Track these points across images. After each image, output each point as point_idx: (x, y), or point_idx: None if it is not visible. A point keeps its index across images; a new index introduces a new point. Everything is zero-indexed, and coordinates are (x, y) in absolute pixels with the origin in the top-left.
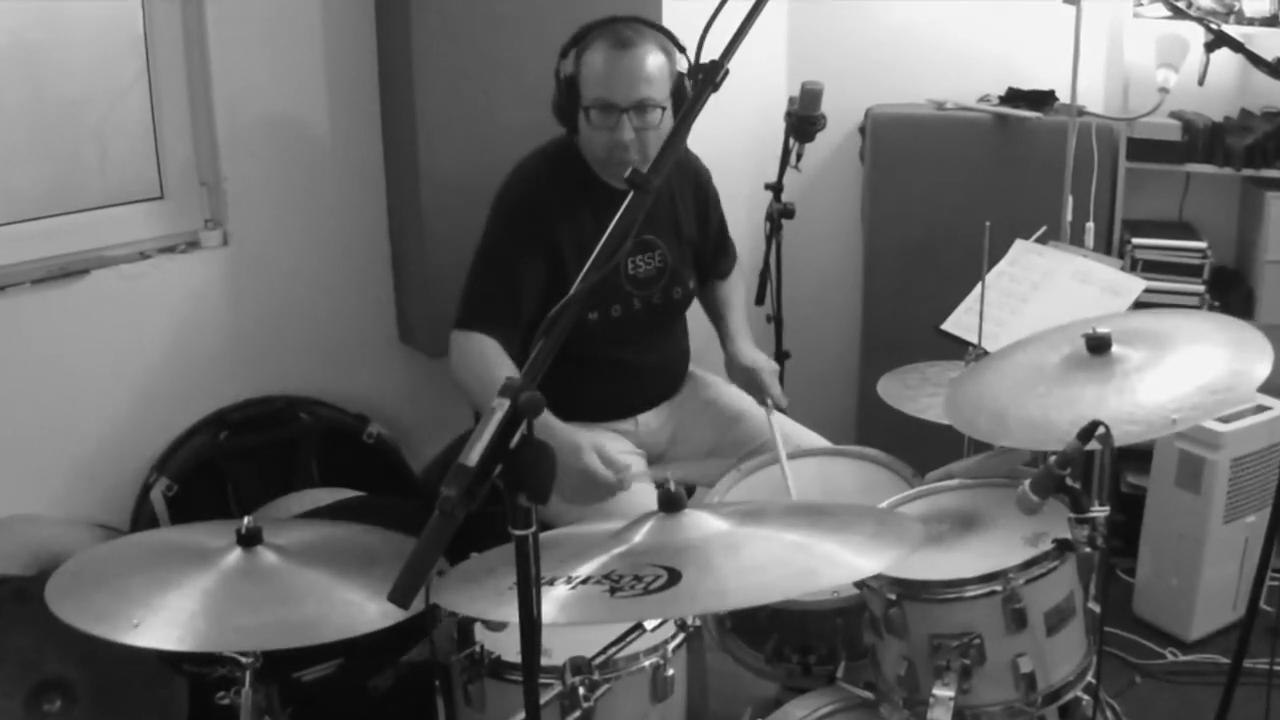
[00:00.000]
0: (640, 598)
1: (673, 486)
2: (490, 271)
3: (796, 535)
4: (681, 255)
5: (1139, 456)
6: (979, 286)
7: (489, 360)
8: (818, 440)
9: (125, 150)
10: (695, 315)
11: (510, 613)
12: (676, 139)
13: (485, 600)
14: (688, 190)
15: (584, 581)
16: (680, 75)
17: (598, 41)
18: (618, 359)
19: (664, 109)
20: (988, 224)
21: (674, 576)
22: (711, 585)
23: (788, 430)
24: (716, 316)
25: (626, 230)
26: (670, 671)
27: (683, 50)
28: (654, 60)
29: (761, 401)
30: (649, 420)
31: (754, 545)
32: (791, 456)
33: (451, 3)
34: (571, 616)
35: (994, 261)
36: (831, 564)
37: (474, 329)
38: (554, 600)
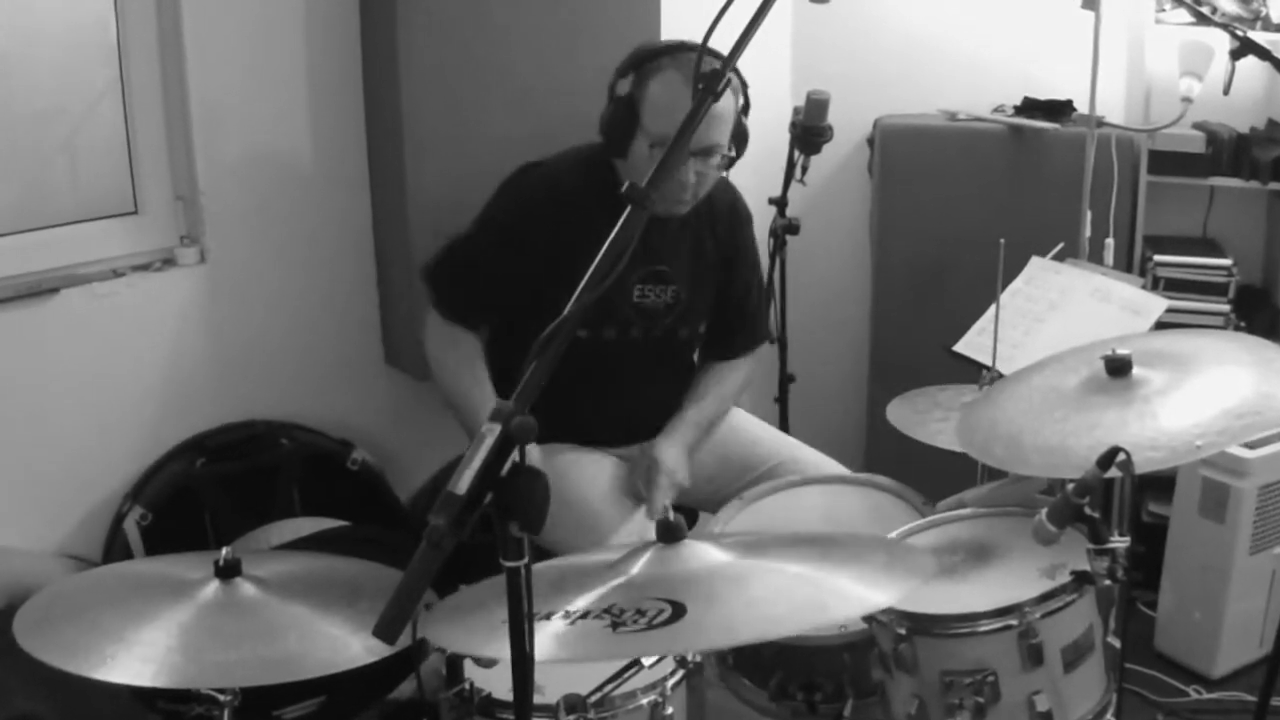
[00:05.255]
0: (644, 633)
1: (671, 516)
2: (475, 258)
3: (803, 567)
4: (697, 294)
5: (1161, 484)
6: (993, 306)
7: (462, 366)
8: (830, 465)
9: (97, 163)
10: None
11: (503, 649)
12: (678, 149)
13: (477, 635)
14: (721, 226)
15: (583, 616)
16: (739, 113)
17: (668, 73)
18: (608, 384)
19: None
20: (1002, 240)
21: (678, 610)
22: (718, 619)
23: (800, 455)
24: (687, 396)
25: (623, 247)
26: (669, 710)
27: (745, 85)
28: (727, 102)
29: (638, 495)
30: None
31: (759, 578)
32: (797, 484)
33: (440, 7)
34: (573, 653)
35: (1009, 280)
36: (841, 597)
37: (449, 319)
38: (552, 635)
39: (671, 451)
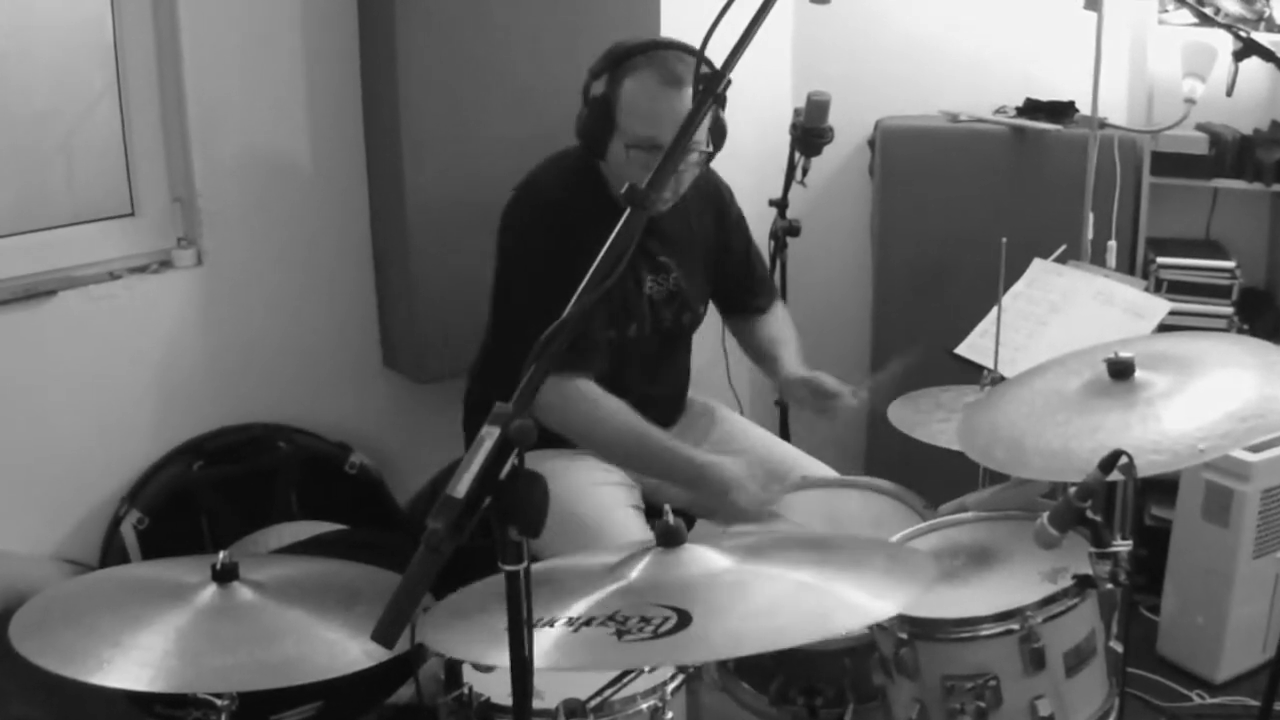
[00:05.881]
0: (650, 641)
1: (670, 519)
2: (549, 292)
3: (805, 574)
4: (695, 279)
5: (1164, 488)
6: (995, 308)
7: (597, 407)
8: (825, 470)
9: (94, 165)
10: (699, 338)
11: (503, 655)
12: (676, 152)
13: (477, 641)
14: (707, 210)
15: (586, 623)
16: (717, 109)
17: (643, 72)
18: (621, 383)
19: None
20: (1004, 242)
21: (683, 619)
22: (723, 629)
23: (792, 462)
24: (766, 357)
25: (624, 248)
26: (669, 715)
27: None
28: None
29: (823, 410)
30: None
31: (761, 585)
32: (795, 488)
33: (439, 7)
34: (578, 661)
35: (1011, 282)
36: (845, 607)
37: (565, 373)
38: (556, 642)
39: (803, 369)
